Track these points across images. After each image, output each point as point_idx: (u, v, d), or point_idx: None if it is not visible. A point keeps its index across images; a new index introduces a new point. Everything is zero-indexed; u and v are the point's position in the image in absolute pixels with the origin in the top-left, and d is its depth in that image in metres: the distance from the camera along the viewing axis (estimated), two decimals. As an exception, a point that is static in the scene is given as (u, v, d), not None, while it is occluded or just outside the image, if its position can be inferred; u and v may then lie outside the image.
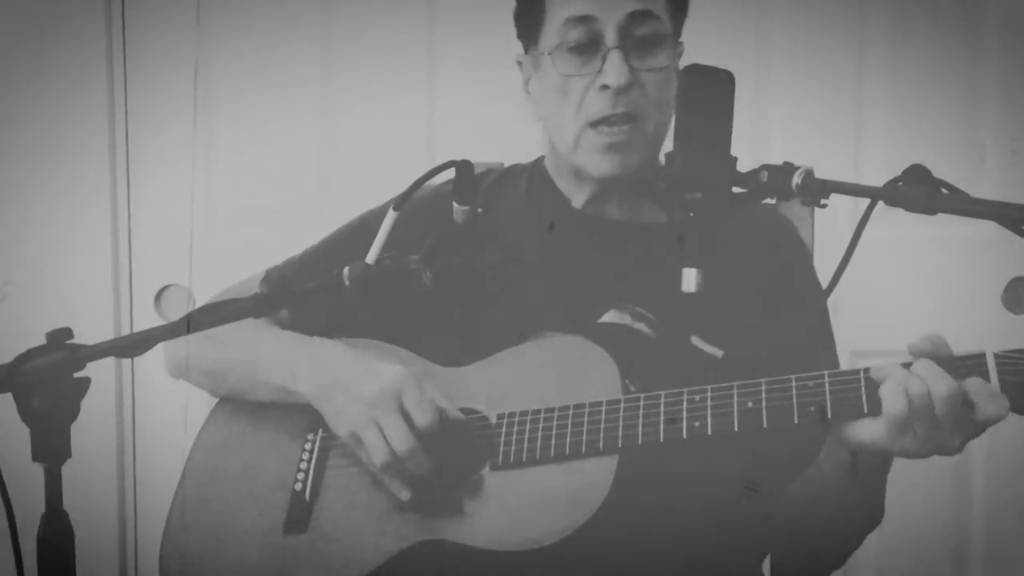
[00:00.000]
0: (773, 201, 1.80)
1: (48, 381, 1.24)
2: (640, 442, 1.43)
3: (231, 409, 1.69)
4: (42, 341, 1.27)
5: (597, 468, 1.43)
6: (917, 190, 1.21)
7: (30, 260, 2.38)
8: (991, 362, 1.32)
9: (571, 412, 1.48)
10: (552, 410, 1.49)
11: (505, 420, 1.52)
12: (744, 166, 1.33)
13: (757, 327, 1.60)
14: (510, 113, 1.72)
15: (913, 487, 1.57)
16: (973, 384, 1.30)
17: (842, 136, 2.32)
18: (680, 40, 1.63)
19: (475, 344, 1.62)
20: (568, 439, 1.46)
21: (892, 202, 1.22)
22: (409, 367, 1.55)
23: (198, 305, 1.41)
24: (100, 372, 1.33)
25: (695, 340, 1.56)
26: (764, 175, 1.30)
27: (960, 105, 2.32)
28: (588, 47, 1.57)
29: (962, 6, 2.30)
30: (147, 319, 2.37)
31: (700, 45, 1.61)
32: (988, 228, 2.29)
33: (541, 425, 1.49)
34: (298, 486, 1.58)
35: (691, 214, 1.34)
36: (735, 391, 1.41)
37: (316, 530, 1.53)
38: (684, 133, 1.33)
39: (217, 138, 2.40)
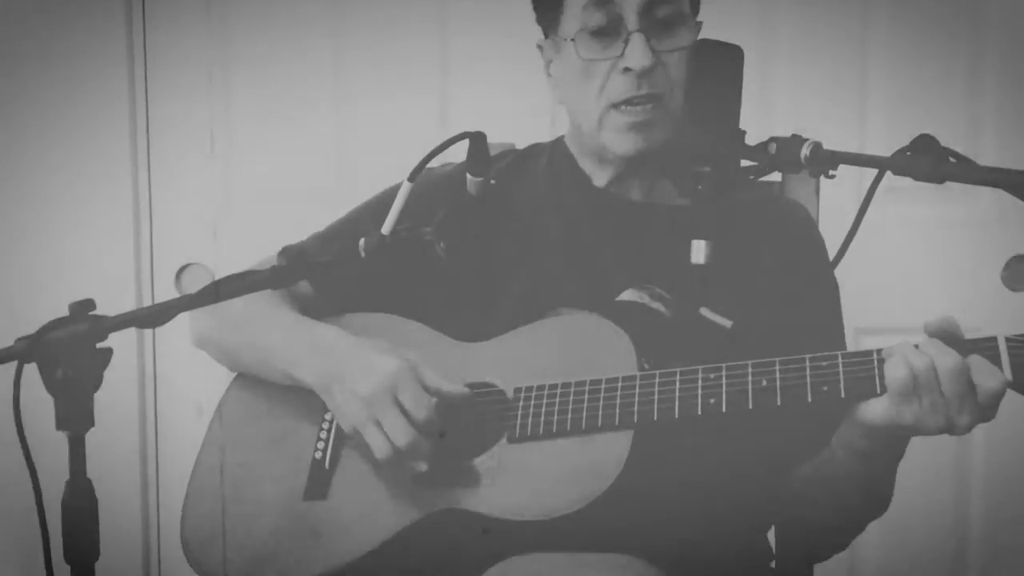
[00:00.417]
0: (779, 177, 1.80)
1: (71, 351, 1.23)
2: (655, 418, 1.42)
3: (251, 381, 1.68)
4: (65, 313, 1.26)
5: (613, 442, 1.42)
6: (925, 159, 1.19)
7: (55, 239, 2.37)
8: (1002, 345, 1.30)
9: (587, 387, 1.46)
10: (568, 385, 1.48)
11: (522, 394, 1.50)
12: (750, 139, 1.32)
13: (768, 301, 1.58)
14: (522, 96, 1.70)
15: (914, 471, 1.55)
16: (974, 361, 1.29)
17: (846, 109, 2.31)
18: (699, 19, 1.60)
19: (493, 320, 1.60)
20: (584, 413, 1.45)
21: (900, 171, 1.21)
22: (419, 349, 1.54)
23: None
24: (123, 343, 1.33)
25: (704, 311, 1.55)
26: (773, 147, 1.29)
27: (962, 77, 2.30)
28: (609, 30, 1.54)
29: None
30: (168, 296, 2.36)
31: (706, 19, 1.59)
32: (988, 207, 2.32)
33: (558, 400, 1.47)
34: (318, 455, 1.57)
35: (700, 187, 1.32)
36: (750, 369, 1.39)
37: (335, 497, 1.52)
38: (693, 107, 1.32)
39: (235, 120, 2.39)
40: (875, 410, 1.33)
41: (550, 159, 1.71)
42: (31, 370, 1.23)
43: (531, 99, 1.81)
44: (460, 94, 2.34)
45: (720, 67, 1.31)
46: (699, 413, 1.40)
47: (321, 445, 1.58)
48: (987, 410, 1.29)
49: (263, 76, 2.37)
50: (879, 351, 1.34)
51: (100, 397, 1.25)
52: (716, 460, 1.51)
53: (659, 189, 1.64)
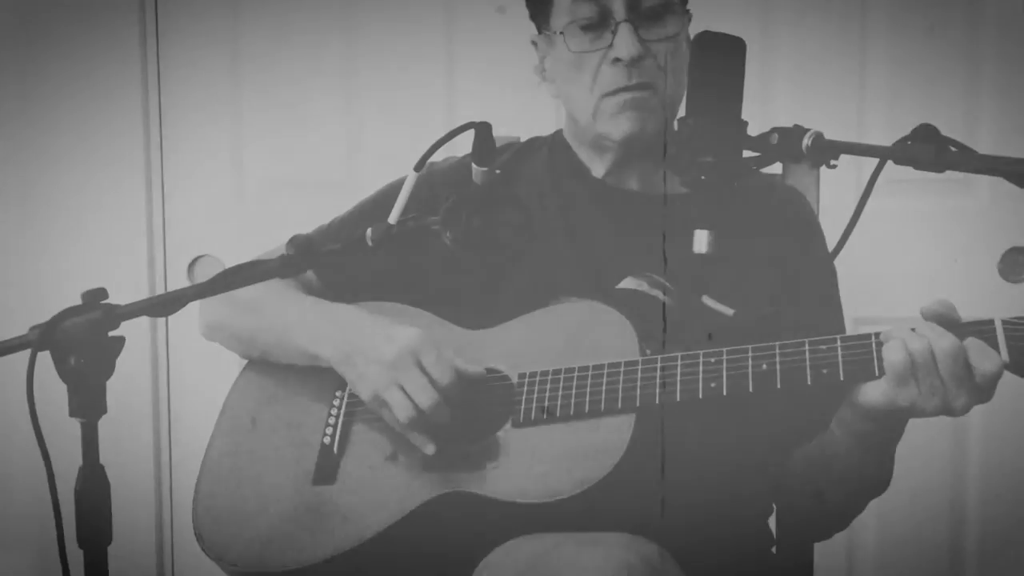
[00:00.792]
0: (780, 168, 1.78)
1: (84, 339, 1.23)
2: (657, 402, 1.41)
3: (262, 367, 1.67)
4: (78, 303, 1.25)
5: (616, 426, 1.41)
6: (926, 148, 1.18)
7: (69, 230, 2.37)
8: (1000, 328, 1.29)
9: (590, 372, 1.46)
10: (572, 370, 1.47)
11: (527, 379, 1.50)
12: (752, 129, 1.30)
13: (768, 289, 1.57)
14: (527, 89, 1.69)
15: (911, 451, 1.55)
16: (971, 343, 1.28)
17: (846, 100, 2.30)
18: (688, 8, 1.60)
19: (497, 308, 1.60)
20: (588, 397, 1.45)
21: (901, 160, 1.19)
22: (428, 330, 1.53)
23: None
24: (136, 332, 1.32)
25: (706, 300, 1.54)
26: (775, 137, 1.27)
27: (959, 69, 2.29)
28: (598, 23, 1.55)
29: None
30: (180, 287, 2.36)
31: (710, 13, 1.58)
32: (985, 199, 2.31)
33: (561, 384, 1.47)
34: (326, 440, 1.57)
35: (703, 177, 1.31)
36: (750, 354, 1.39)
37: (343, 482, 1.52)
38: (696, 99, 1.31)
39: (247, 114, 2.38)
40: (874, 392, 1.32)
41: (550, 151, 1.70)
42: (45, 358, 1.22)
43: (536, 92, 1.79)
44: (466, 89, 2.33)
45: (723, 59, 1.29)
46: (700, 397, 1.40)
47: (330, 431, 1.57)
48: (984, 392, 1.28)
49: (274, 71, 2.36)
50: (877, 334, 1.34)
51: (113, 384, 1.25)
52: (717, 444, 1.51)
53: (656, 178, 1.63)
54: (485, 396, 1.51)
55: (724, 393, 1.38)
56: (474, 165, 1.34)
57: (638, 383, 1.42)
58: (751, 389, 1.38)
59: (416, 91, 2.33)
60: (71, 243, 2.36)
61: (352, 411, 1.58)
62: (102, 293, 1.25)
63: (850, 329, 1.67)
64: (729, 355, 1.40)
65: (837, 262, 1.61)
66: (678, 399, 1.40)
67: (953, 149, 1.18)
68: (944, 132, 1.20)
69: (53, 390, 1.23)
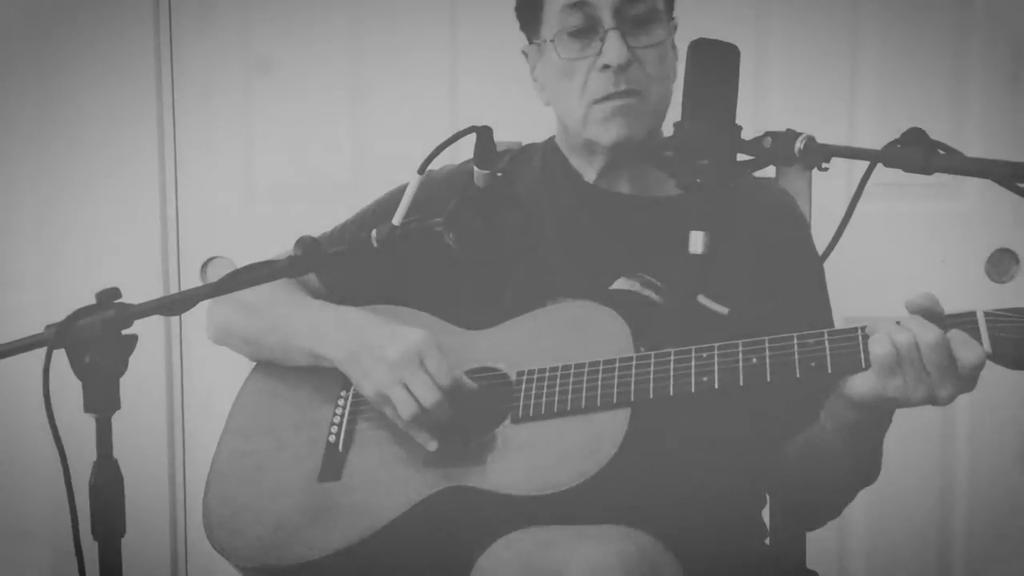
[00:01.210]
0: (774, 171, 1.78)
1: (98, 338, 1.22)
2: (651, 396, 1.41)
3: (269, 369, 1.67)
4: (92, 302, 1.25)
5: (611, 419, 1.41)
6: (915, 151, 1.17)
7: (84, 232, 2.36)
8: (981, 319, 1.29)
9: (586, 369, 1.46)
10: (568, 367, 1.47)
11: (524, 377, 1.50)
12: (746, 134, 1.30)
13: (760, 287, 1.57)
14: (528, 94, 1.69)
15: (902, 442, 1.55)
16: (954, 335, 1.28)
17: (837, 105, 2.30)
18: (673, 16, 1.60)
19: (495, 309, 1.60)
20: (584, 393, 1.44)
21: (891, 163, 1.19)
22: (431, 331, 1.53)
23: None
24: (150, 330, 1.32)
25: (702, 299, 1.54)
26: (768, 141, 1.27)
27: (947, 74, 2.29)
28: (587, 31, 1.55)
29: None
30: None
31: (705, 20, 1.58)
32: (973, 201, 2.30)
33: (558, 381, 1.47)
34: (332, 438, 1.56)
35: (698, 180, 1.31)
36: (740, 348, 1.39)
37: (349, 478, 1.51)
38: (692, 104, 1.31)
39: (258, 120, 2.38)
40: (862, 385, 1.32)
41: (543, 157, 1.71)
42: (60, 356, 1.22)
43: (536, 98, 1.78)
44: (469, 96, 2.33)
45: (717, 65, 1.29)
46: (692, 391, 1.39)
47: (335, 429, 1.57)
48: (967, 381, 1.28)
49: (284, 79, 2.36)
50: (863, 328, 1.34)
51: (127, 381, 1.24)
52: (711, 437, 1.51)
53: (646, 181, 1.63)
54: (485, 394, 1.51)
55: (716, 387, 1.38)
56: (476, 168, 1.34)
57: (632, 379, 1.42)
58: (742, 383, 1.37)
59: (420, 99, 2.33)
60: (87, 245, 2.36)
61: (356, 410, 1.58)
62: (115, 293, 1.25)
63: (841, 326, 1.67)
64: (720, 350, 1.40)
65: (829, 262, 1.61)
66: (671, 393, 1.40)
67: (941, 152, 1.18)
68: (932, 136, 1.20)
69: (68, 387, 1.23)
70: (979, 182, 1.94)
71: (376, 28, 2.34)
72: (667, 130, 1.38)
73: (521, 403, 1.47)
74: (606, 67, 1.53)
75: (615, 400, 1.42)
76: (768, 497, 1.68)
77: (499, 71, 2.03)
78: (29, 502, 2.39)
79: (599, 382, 1.44)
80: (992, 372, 1.30)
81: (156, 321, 1.40)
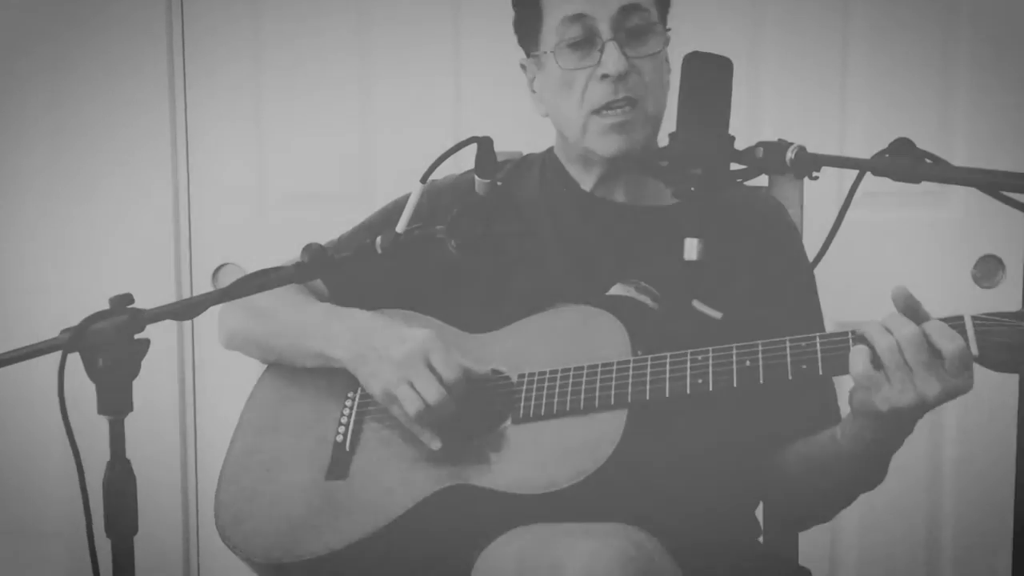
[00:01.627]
0: (766, 179, 1.78)
1: (111, 341, 1.22)
2: (648, 397, 1.41)
3: (279, 371, 1.67)
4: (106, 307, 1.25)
5: (609, 420, 1.41)
6: (903, 161, 1.17)
7: (99, 239, 2.36)
8: (969, 323, 1.28)
9: (585, 371, 1.46)
10: (568, 370, 1.47)
11: (526, 379, 1.50)
12: (739, 144, 1.30)
13: (752, 293, 1.57)
14: (528, 106, 1.69)
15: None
16: (931, 326, 1.26)
17: (828, 116, 2.30)
18: (668, 27, 1.61)
19: (497, 314, 1.60)
20: (583, 395, 1.44)
21: (879, 172, 1.18)
22: (436, 332, 1.53)
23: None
24: (163, 334, 1.31)
25: (696, 304, 1.54)
26: (760, 151, 1.27)
27: (934, 87, 2.29)
28: (585, 42, 1.55)
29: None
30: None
31: (700, 34, 1.58)
32: (959, 209, 2.30)
33: (558, 383, 1.47)
34: (339, 438, 1.56)
35: (692, 188, 1.31)
36: (734, 351, 1.39)
37: (355, 476, 1.51)
38: (686, 114, 1.31)
39: (269, 130, 2.38)
40: (860, 402, 1.30)
41: (542, 167, 1.71)
42: (75, 359, 1.22)
43: (534, 106, 1.79)
44: (471, 107, 2.33)
45: (711, 77, 1.29)
46: (688, 392, 1.39)
47: (342, 429, 1.57)
48: (956, 378, 1.25)
49: (294, 91, 2.35)
50: (853, 331, 1.33)
51: (140, 384, 1.24)
52: (706, 438, 1.50)
53: (642, 191, 1.63)
54: (488, 395, 1.51)
55: (710, 389, 1.38)
56: (477, 177, 1.34)
57: (629, 381, 1.42)
58: (735, 385, 1.37)
59: (424, 111, 2.33)
60: (101, 253, 2.35)
61: (363, 411, 1.58)
62: (128, 298, 1.25)
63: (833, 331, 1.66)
64: (715, 353, 1.40)
65: (820, 268, 1.61)
66: (667, 395, 1.40)
67: (928, 161, 1.17)
68: (920, 146, 1.19)
69: (83, 389, 1.23)
70: (965, 190, 1.94)
71: (383, 43, 2.34)
72: (663, 140, 1.38)
73: (522, 404, 1.47)
74: (605, 76, 1.53)
75: (613, 401, 1.42)
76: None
77: (500, 84, 2.03)
78: (45, 501, 2.39)
79: (597, 384, 1.44)
80: (978, 373, 1.28)
81: (168, 326, 1.40)
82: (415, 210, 1.36)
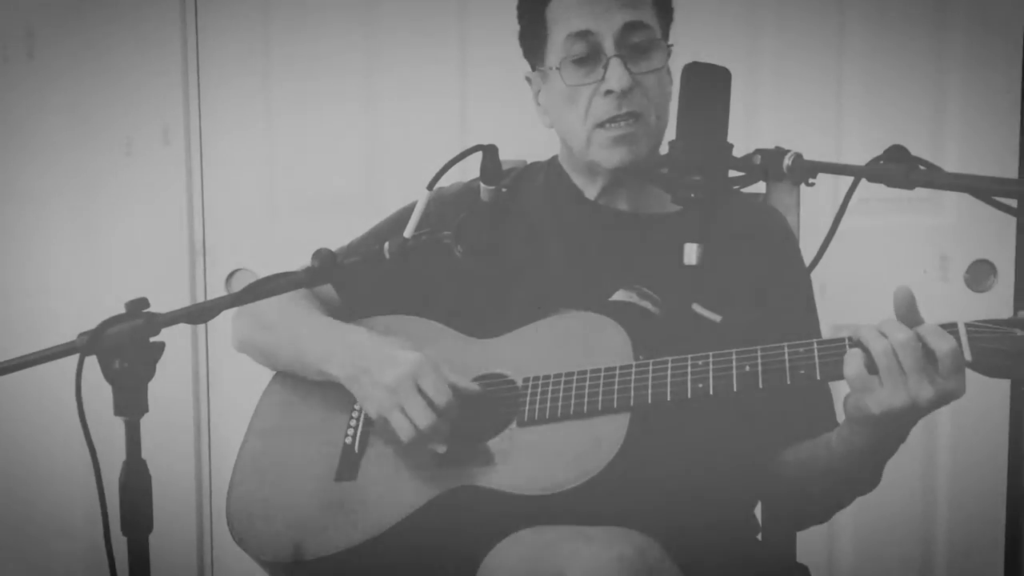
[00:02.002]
0: (764, 186, 1.78)
1: (127, 345, 1.22)
2: (650, 401, 1.40)
3: (288, 376, 1.67)
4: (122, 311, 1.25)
5: (612, 423, 1.40)
6: (897, 167, 1.17)
7: (115, 248, 2.37)
8: (963, 330, 1.27)
9: (588, 375, 1.45)
10: (572, 374, 1.47)
11: (530, 383, 1.49)
12: (737, 151, 1.30)
13: (751, 297, 1.56)
14: (533, 116, 1.69)
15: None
16: (925, 328, 1.26)
17: (824, 124, 2.30)
18: (670, 43, 1.60)
19: (502, 319, 1.59)
20: (586, 398, 1.44)
21: (874, 178, 1.18)
22: (438, 341, 1.53)
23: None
24: (179, 337, 1.31)
25: (696, 307, 1.54)
26: (758, 158, 1.27)
27: (927, 95, 2.29)
28: (590, 58, 1.55)
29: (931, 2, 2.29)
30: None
31: (699, 44, 1.58)
32: (952, 215, 2.30)
33: (562, 387, 1.46)
34: (348, 440, 1.56)
35: (692, 195, 1.31)
36: (734, 356, 1.38)
37: (363, 478, 1.51)
38: (685, 123, 1.31)
39: (280, 138, 2.38)
40: (854, 406, 1.30)
41: (546, 176, 1.70)
42: (92, 362, 1.22)
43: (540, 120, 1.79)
44: (477, 116, 2.33)
45: (710, 86, 1.29)
46: (689, 396, 1.39)
47: (351, 432, 1.57)
48: (948, 380, 1.25)
49: (303, 100, 2.36)
50: (849, 337, 1.32)
51: (155, 386, 1.24)
52: (706, 440, 1.50)
53: (644, 199, 1.63)
54: (493, 399, 1.50)
55: (711, 393, 1.37)
56: (482, 184, 1.33)
57: (632, 385, 1.41)
58: (735, 389, 1.37)
59: (432, 120, 2.33)
60: (118, 258, 2.36)
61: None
62: (144, 303, 1.25)
63: (828, 335, 1.66)
64: (715, 358, 1.39)
65: (816, 273, 1.61)
66: (668, 399, 1.39)
67: (922, 168, 1.17)
68: (913, 152, 1.19)
69: (99, 391, 1.23)
70: (958, 196, 1.94)
71: (390, 51, 2.34)
72: (663, 148, 1.38)
73: (527, 407, 1.47)
74: (609, 92, 1.53)
75: (615, 405, 1.41)
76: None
77: (505, 94, 2.03)
78: (62, 500, 2.39)
79: (600, 388, 1.43)
80: (971, 379, 1.27)
81: (183, 329, 1.40)
82: (422, 216, 1.36)
